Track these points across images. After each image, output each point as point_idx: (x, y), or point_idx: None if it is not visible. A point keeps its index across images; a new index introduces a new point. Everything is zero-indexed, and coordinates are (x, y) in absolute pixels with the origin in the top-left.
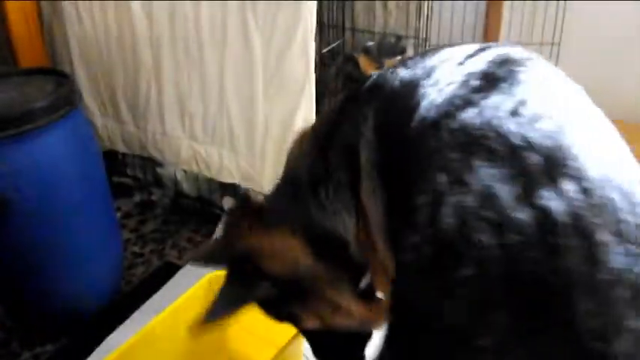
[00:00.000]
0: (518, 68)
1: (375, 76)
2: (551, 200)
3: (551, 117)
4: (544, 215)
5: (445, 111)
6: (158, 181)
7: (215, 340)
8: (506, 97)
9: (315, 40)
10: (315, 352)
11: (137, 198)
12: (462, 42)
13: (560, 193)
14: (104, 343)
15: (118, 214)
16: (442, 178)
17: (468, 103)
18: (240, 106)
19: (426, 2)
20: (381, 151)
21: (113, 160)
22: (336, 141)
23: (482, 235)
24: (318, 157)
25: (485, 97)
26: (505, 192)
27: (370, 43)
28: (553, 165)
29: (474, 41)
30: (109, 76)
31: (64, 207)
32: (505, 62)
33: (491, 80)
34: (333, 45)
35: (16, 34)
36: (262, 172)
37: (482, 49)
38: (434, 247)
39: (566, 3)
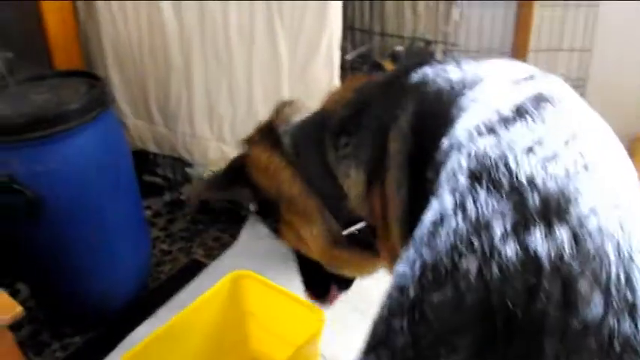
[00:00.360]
0: (547, 106)
1: (427, 70)
2: (540, 242)
3: (564, 160)
4: (529, 255)
5: (470, 135)
6: (188, 181)
7: (236, 337)
8: (527, 133)
9: (345, 45)
10: (305, 284)
11: (167, 197)
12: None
13: (551, 238)
14: (129, 337)
15: (149, 213)
16: (449, 200)
17: (491, 131)
18: (267, 110)
19: (454, 7)
20: (416, 151)
21: (144, 159)
22: (374, 113)
23: (466, 261)
24: (353, 114)
25: (507, 130)
26: (498, 225)
27: (399, 48)
28: (552, 208)
29: (502, 47)
30: (141, 79)
31: (95, 206)
32: (538, 98)
33: (520, 114)
34: (363, 50)
35: (52, 35)
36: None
37: (528, 78)
38: (424, 264)
39: (598, 9)
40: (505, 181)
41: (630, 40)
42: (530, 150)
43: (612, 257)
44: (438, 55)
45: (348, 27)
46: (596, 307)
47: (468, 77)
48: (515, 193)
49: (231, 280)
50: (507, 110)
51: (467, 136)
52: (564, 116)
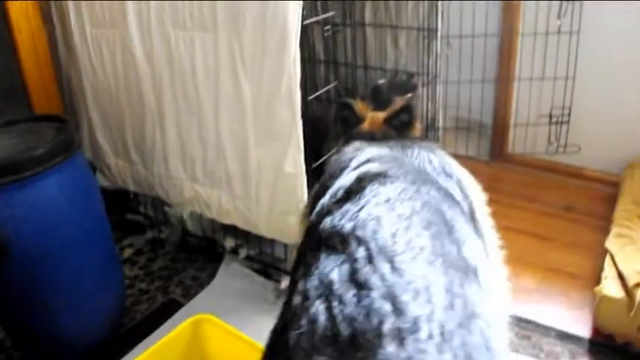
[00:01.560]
0: (367, 184)
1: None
2: (369, 276)
3: (379, 216)
4: (363, 288)
5: (317, 215)
6: (167, 220)
7: None
8: (353, 206)
9: (330, 78)
10: None
11: (149, 235)
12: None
13: (376, 271)
14: None
15: (130, 251)
16: (303, 269)
17: (328, 211)
18: (234, 151)
19: (436, 40)
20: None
21: (127, 198)
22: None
23: (315, 306)
24: None
25: (339, 207)
26: (336, 275)
27: (381, 81)
28: (373, 252)
29: (484, 78)
30: (118, 119)
31: (63, 247)
32: (363, 179)
33: (349, 193)
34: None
35: (30, 81)
36: (258, 216)
37: (364, 162)
38: (283, 318)
39: (578, 37)
40: (338, 244)
41: (612, 66)
42: (354, 217)
43: (430, 276)
44: (420, 88)
45: (332, 61)
46: (420, 310)
47: (340, 164)
48: (346, 250)
49: (192, 324)
50: (342, 192)
51: (315, 218)
52: (381, 186)
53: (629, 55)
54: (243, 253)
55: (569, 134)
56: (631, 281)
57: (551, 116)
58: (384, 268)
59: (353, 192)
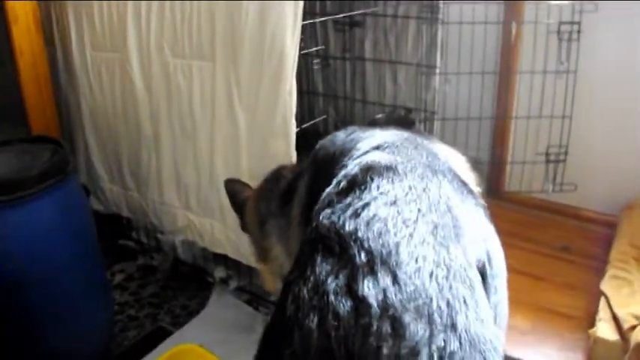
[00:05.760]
0: (374, 176)
1: (318, 144)
2: (368, 290)
3: (385, 218)
4: (361, 303)
5: (321, 204)
6: (160, 247)
7: None
8: (356, 200)
9: (328, 111)
10: None
11: (140, 261)
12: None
13: (377, 284)
14: None
15: (121, 276)
16: (295, 271)
17: (329, 203)
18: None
19: (434, 76)
20: (309, 210)
21: (119, 223)
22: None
23: (309, 320)
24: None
25: (340, 200)
26: (332, 284)
27: (379, 116)
28: (375, 260)
29: (481, 115)
30: (115, 145)
31: (52, 269)
32: (368, 169)
33: (353, 184)
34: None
35: (29, 102)
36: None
37: (371, 150)
38: (272, 325)
39: (576, 75)
40: (335, 245)
41: (609, 106)
42: (356, 214)
43: (432, 291)
44: (418, 123)
45: (331, 94)
46: (421, 333)
47: (347, 144)
48: (345, 253)
49: (175, 354)
50: (345, 181)
51: (316, 210)
52: (389, 181)
53: (627, 95)
54: (233, 284)
55: (565, 173)
56: (626, 324)
57: (547, 154)
58: (386, 280)
59: (358, 183)
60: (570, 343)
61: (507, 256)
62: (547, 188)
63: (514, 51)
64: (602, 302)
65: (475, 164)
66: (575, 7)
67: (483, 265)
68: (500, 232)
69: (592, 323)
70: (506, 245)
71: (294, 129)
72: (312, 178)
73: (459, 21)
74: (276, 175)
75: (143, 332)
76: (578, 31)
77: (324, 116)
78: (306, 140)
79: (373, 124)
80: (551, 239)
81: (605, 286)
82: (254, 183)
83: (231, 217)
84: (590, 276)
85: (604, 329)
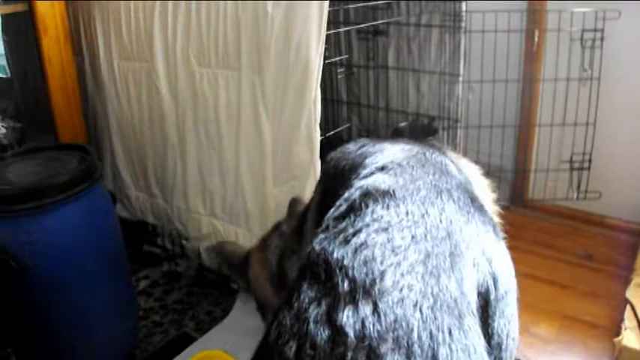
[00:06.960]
0: (369, 202)
1: (328, 156)
2: (347, 320)
3: (373, 245)
4: (338, 333)
5: (318, 231)
6: (185, 254)
7: None
8: (349, 227)
9: (352, 119)
10: None
11: (165, 268)
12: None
13: (356, 314)
14: None
15: (146, 282)
16: (285, 297)
17: (326, 227)
18: (253, 189)
19: (457, 84)
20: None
21: (145, 229)
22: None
23: (287, 347)
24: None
25: (335, 225)
26: (314, 312)
27: (402, 124)
28: (358, 289)
29: (505, 123)
30: (141, 152)
31: (79, 275)
32: (366, 195)
33: (350, 210)
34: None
35: (57, 110)
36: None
37: (376, 171)
38: (260, 352)
39: (599, 83)
40: (322, 273)
41: (633, 112)
42: (346, 240)
43: (414, 322)
44: (441, 131)
45: (355, 102)
46: None
47: (357, 159)
48: (329, 281)
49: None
50: (345, 205)
51: (319, 230)
52: (383, 208)
53: None
54: None
55: (590, 181)
56: None
57: (571, 162)
58: (366, 310)
59: (355, 209)
60: (595, 352)
61: (531, 265)
62: (571, 196)
63: (537, 59)
64: (628, 311)
65: (499, 172)
66: (597, 14)
67: (487, 290)
68: (524, 240)
69: (617, 332)
70: (529, 253)
71: (318, 137)
72: (322, 194)
73: (481, 29)
74: (288, 217)
75: (167, 338)
76: (601, 38)
77: (348, 124)
78: (330, 148)
79: (397, 132)
80: (575, 247)
81: (631, 294)
82: (278, 191)
83: (256, 224)
84: (615, 284)
85: (630, 338)
